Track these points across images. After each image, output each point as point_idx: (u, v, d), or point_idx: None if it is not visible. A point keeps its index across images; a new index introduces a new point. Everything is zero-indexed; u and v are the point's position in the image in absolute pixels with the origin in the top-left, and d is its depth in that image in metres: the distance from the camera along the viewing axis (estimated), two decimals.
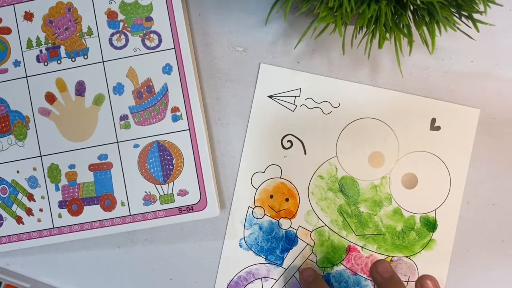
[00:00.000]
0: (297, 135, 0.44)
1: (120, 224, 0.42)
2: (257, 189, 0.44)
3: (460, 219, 0.44)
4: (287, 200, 0.44)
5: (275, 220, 0.44)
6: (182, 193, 0.42)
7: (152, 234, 0.45)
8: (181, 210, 0.42)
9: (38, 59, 0.42)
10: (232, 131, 0.44)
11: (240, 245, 0.45)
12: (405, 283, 0.44)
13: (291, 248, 0.44)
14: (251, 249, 0.45)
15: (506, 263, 0.44)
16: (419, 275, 0.44)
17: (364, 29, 0.35)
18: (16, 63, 0.42)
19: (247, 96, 0.44)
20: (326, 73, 0.44)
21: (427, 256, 0.44)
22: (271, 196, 0.44)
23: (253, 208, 0.44)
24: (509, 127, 0.44)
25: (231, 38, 0.44)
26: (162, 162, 0.42)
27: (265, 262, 0.45)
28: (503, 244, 0.44)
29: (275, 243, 0.44)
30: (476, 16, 0.33)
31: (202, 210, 0.42)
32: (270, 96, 0.44)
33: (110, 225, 0.42)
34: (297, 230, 0.44)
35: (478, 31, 0.33)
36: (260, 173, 0.44)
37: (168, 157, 0.42)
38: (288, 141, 0.44)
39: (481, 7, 0.32)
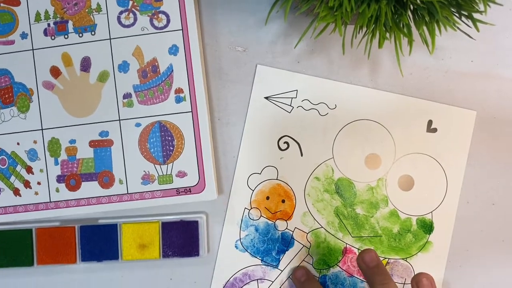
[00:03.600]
0: (293, 136, 0.44)
1: (117, 202, 0.42)
2: (253, 191, 0.44)
3: (460, 219, 0.44)
4: (283, 201, 0.44)
5: (271, 222, 0.44)
6: (181, 174, 0.42)
7: None
8: (179, 191, 0.42)
9: (45, 33, 0.42)
10: (232, 130, 0.44)
11: (236, 247, 0.45)
12: (401, 285, 0.44)
13: (287, 250, 0.44)
14: (247, 251, 0.44)
15: (506, 263, 0.44)
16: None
17: (364, 29, 0.35)
18: (23, 35, 0.42)
19: (247, 96, 0.44)
20: (326, 73, 0.44)
21: (424, 258, 0.44)
22: (268, 198, 0.44)
23: (249, 210, 0.44)
24: (509, 126, 0.44)
25: (231, 38, 0.44)
26: (162, 142, 0.42)
27: (261, 263, 0.44)
28: (503, 244, 0.44)
29: (271, 245, 0.44)
30: (476, 15, 0.33)
31: (200, 192, 0.42)
32: (266, 98, 0.44)
33: (107, 202, 0.42)
34: (293, 231, 0.44)
35: (478, 31, 0.34)
36: (256, 174, 0.44)
37: (169, 138, 0.42)
38: (285, 142, 0.44)
39: (481, 7, 0.33)
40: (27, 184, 0.43)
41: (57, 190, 0.43)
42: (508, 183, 0.44)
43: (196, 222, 0.44)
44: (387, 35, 0.35)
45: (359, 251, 0.44)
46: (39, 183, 0.43)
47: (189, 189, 0.42)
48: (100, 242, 0.44)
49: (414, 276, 0.38)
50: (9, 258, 0.44)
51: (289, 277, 0.44)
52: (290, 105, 0.44)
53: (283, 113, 0.44)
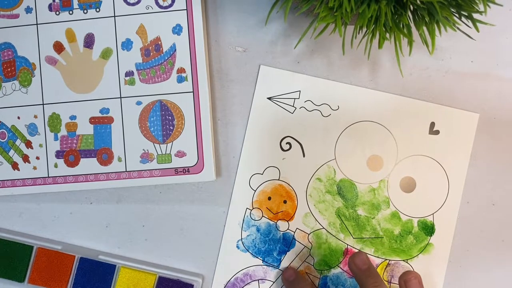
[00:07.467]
0: (296, 137, 0.44)
1: (115, 179, 0.42)
2: (255, 191, 0.44)
3: (460, 219, 0.44)
4: (285, 202, 0.44)
5: (273, 222, 0.44)
6: (180, 154, 0.42)
7: (152, 234, 0.45)
8: (177, 171, 0.42)
9: (50, 8, 0.42)
10: (232, 131, 0.44)
11: (237, 247, 0.44)
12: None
13: (288, 250, 0.44)
14: (248, 251, 0.44)
15: (506, 263, 0.44)
16: None
17: (364, 29, 0.35)
18: (28, 10, 0.43)
19: (247, 96, 0.44)
20: (326, 73, 0.44)
21: (424, 260, 0.44)
22: (269, 198, 0.44)
23: (251, 210, 0.44)
24: (509, 127, 0.44)
25: (231, 38, 0.44)
26: (163, 121, 0.42)
27: (262, 264, 0.44)
28: (503, 244, 0.44)
29: (272, 245, 0.44)
30: (476, 16, 0.33)
31: (198, 173, 0.42)
32: (269, 98, 0.44)
33: (105, 180, 0.42)
34: (294, 232, 0.44)
35: (478, 31, 0.33)
36: (258, 174, 0.44)
37: (170, 117, 0.42)
38: (287, 143, 0.44)
39: (481, 7, 0.33)
40: (26, 159, 0.43)
41: (56, 166, 0.43)
42: (508, 183, 0.44)
43: (192, 286, 0.43)
44: (387, 35, 0.35)
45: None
46: (37, 158, 0.43)
47: (188, 169, 0.42)
48: (94, 278, 0.44)
49: (402, 275, 0.38)
50: (2, 268, 0.44)
51: (279, 276, 0.44)
52: (293, 106, 0.44)
53: (286, 114, 0.44)
